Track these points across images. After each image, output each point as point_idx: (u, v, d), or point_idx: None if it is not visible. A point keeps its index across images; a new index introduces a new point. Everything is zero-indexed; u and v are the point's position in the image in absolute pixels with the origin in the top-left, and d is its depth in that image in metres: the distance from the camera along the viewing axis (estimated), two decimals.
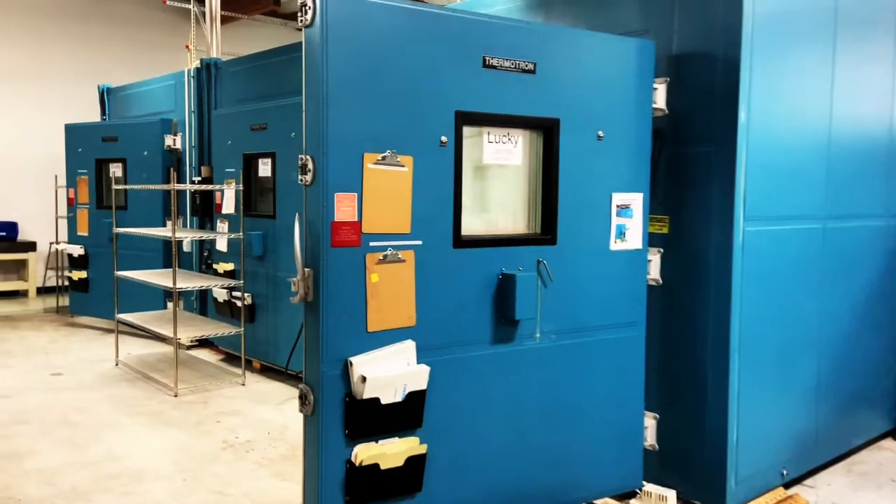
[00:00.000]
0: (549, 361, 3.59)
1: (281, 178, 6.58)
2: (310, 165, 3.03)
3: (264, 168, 6.84)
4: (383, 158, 3.09)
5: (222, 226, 7.39)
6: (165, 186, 6.80)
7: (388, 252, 3.11)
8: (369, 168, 3.06)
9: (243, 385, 6.62)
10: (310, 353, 3.11)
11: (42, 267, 11.53)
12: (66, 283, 9.56)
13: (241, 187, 6.66)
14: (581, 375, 3.70)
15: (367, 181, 3.05)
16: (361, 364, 3.06)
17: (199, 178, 7.77)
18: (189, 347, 7.88)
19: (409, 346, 3.18)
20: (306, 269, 3.07)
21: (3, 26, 11.30)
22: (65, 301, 10.08)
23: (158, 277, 6.85)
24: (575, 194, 3.62)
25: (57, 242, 10.48)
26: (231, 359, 7.49)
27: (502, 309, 3.42)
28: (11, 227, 11.25)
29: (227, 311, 7.26)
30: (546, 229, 3.57)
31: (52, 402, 6.08)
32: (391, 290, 3.12)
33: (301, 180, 3.09)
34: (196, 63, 8.05)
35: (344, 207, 3.01)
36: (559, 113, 3.53)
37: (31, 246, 11.27)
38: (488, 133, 3.45)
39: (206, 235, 6.75)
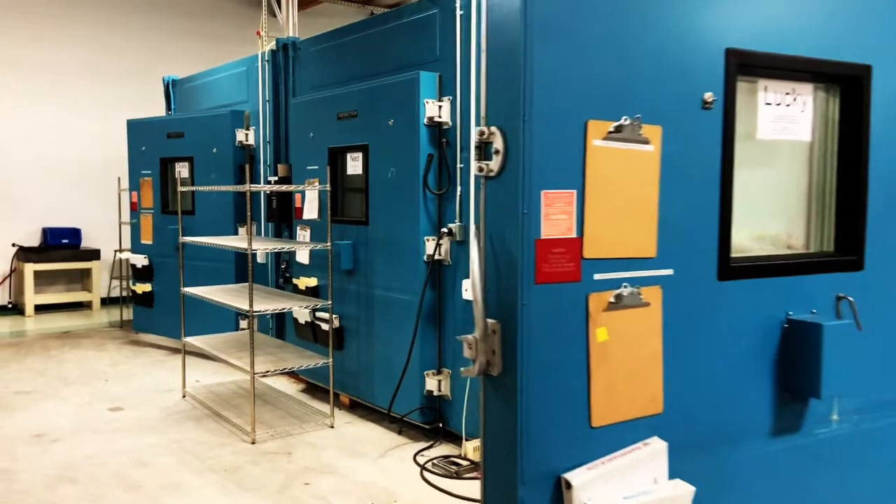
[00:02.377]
0: (849, 459, 2.24)
1: (375, 176, 5.39)
2: (498, 143, 1.78)
3: (354, 164, 5.67)
4: (618, 130, 1.82)
5: (303, 233, 6.25)
6: (238, 188, 5.70)
7: (624, 290, 1.83)
8: (595, 147, 1.80)
9: (332, 427, 5.46)
10: (492, 463, 1.86)
11: (107, 276, 10.73)
12: (130, 294, 8.63)
13: (327, 188, 5.50)
14: None
15: (592, 168, 1.79)
16: (585, 486, 1.79)
17: (276, 178, 6.66)
18: (265, 374, 6.78)
19: (657, 450, 1.89)
20: (490, 322, 1.82)
21: (63, 21, 10.53)
22: (129, 314, 9.17)
23: (231, 296, 5.75)
24: (887, 188, 2.27)
25: (120, 250, 9.61)
26: (313, 389, 6.35)
27: (792, 379, 2.10)
28: (75, 234, 10.48)
29: (309, 334, 6.11)
30: (846, 245, 2.23)
31: (109, 449, 5.03)
32: (627, 355, 1.85)
33: (479, 169, 1.84)
34: (271, 45, 6.95)
35: (556, 215, 1.76)
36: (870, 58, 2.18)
37: (95, 254, 10.47)
38: (765, 88, 2.13)
39: (287, 246, 5.62)
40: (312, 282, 6.08)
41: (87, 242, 10.62)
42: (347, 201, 5.89)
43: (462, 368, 1.96)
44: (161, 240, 7.86)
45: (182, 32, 11.28)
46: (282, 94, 6.83)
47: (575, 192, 1.76)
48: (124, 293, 9.90)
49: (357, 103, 5.54)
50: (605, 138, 1.77)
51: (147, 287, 8.07)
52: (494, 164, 1.82)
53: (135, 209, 8.22)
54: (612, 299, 1.78)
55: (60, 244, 10.32)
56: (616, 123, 1.78)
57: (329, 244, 5.46)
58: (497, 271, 1.77)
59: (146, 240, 8.08)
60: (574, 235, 1.75)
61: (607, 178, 1.78)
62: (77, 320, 9.79)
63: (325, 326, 5.86)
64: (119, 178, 9.50)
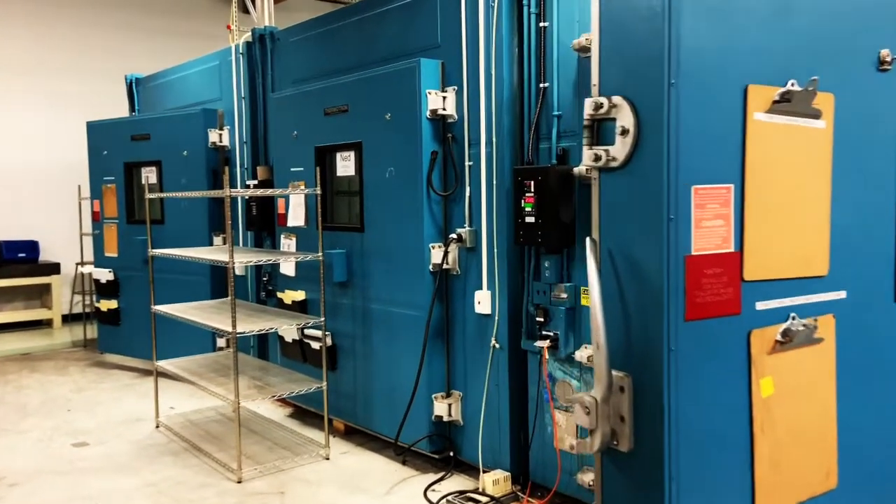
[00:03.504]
0: None
1: (371, 177, 4.83)
2: (626, 119, 1.25)
3: (345, 165, 5.10)
4: (785, 98, 1.29)
5: (288, 242, 5.66)
6: (215, 193, 5.09)
7: (794, 323, 1.32)
8: (756, 122, 1.30)
9: (327, 459, 4.88)
10: None
11: (68, 292, 9.96)
12: (94, 311, 7.92)
13: (315, 191, 4.92)
14: None
15: (754, 153, 1.34)
16: None
17: (256, 182, 6.05)
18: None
19: None
20: (616, 375, 1.29)
21: (10, 17, 9.75)
22: (94, 333, 8.45)
23: (208, 315, 5.14)
24: None
25: (82, 264, 8.88)
26: (303, 414, 5.76)
27: None
28: (32, 247, 9.70)
29: (297, 353, 5.52)
30: None
31: (74, 495, 4.40)
32: (795, 412, 1.37)
33: (594, 158, 1.31)
34: (246, 36, 6.34)
35: (709, 221, 1.28)
36: None
37: (54, 268, 9.71)
38: None
39: (272, 258, 5.02)
40: (300, 295, 5.49)
41: (45, 256, 9.86)
42: (338, 206, 5.32)
43: (572, 441, 1.44)
44: (127, 252, 7.18)
45: (145, 29, 10.56)
46: (259, 89, 6.23)
47: (732, 187, 1.25)
48: (87, 310, 9.17)
49: (348, 97, 4.97)
50: (768, 110, 1.27)
51: (112, 304, 7.38)
52: (619, 149, 1.31)
53: (97, 219, 7.53)
54: (779, 337, 1.28)
55: (16, 258, 9.54)
56: (782, 89, 1.28)
57: (320, 254, 4.88)
58: (623, 303, 1.26)
59: (110, 252, 7.39)
60: (732, 249, 1.25)
61: (771, 165, 1.28)
62: (37, 340, 9.03)
63: (315, 345, 5.28)
64: (79, 186, 8.78)
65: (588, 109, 1.36)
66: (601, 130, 1.37)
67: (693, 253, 1.23)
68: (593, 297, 1.35)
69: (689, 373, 1.27)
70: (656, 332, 1.26)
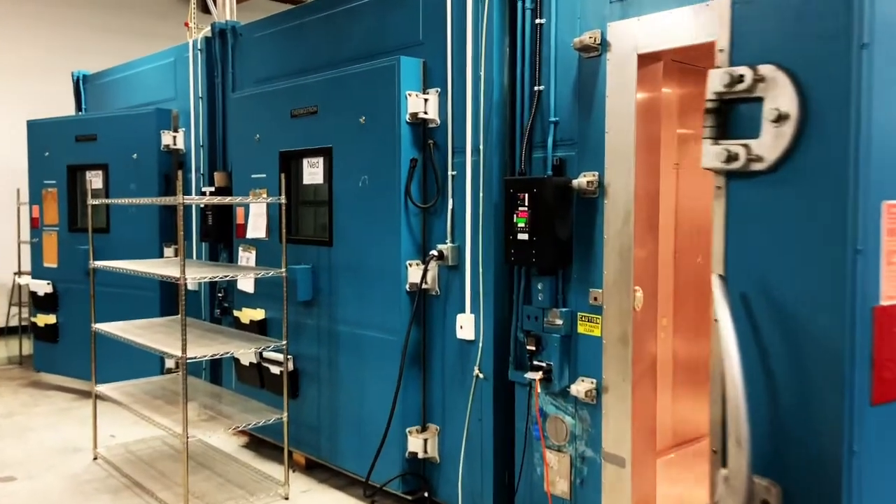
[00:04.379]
0: None
1: (342, 186, 4.39)
2: (784, 99, 0.85)
3: (313, 172, 4.64)
4: None
5: (246, 255, 5.16)
6: (166, 200, 4.58)
7: None
8: None
9: (286, 499, 4.37)
10: None
11: (4, 303, 9.21)
12: (31, 326, 7.26)
13: (279, 200, 4.44)
14: None
15: None
16: None
17: (212, 189, 5.55)
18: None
19: None
20: (761, 484, 0.87)
21: None
22: (31, 348, 7.76)
23: (156, 336, 4.61)
24: None
25: (20, 274, 8.20)
26: (259, 445, 5.24)
27: None
28: None
29: (254, 378, 5.02)
30: None
31: None
32: None
33: (727, 157, 0.89)
34: (205, 31, 5.85)
35: None
36: None
37: None
38: None
39: (230, 274, 4.51)
40: (259, 314, 5.00)
41: None
42: (304, 217, 4.85)
43: (565, 485, 1.03)
44: (68, 262, 6.57)
45: (96, 27, 9.94)
46: (218, 88, 5.74)
47: None
48: (24, 324, 8.46)
49: (317, 97, 4.52)
50: None
51: (50, 319, 6.75)
52: (768, 143, 0.92)
53: (36, 226, 6.90)
54: None
55: None
56: None
57: (283, 270, 4.40)
58: (769, 376, 0.85)
59: (50, 262, 6.77)
60: None
61: None
62: None
63: (275, 369, 4.79)
64: (18, 190, 8.12)
65: (716, 84, 0.95)
66: (734, 117, 0.96)
67: (883, 303, 0.82)
68: (730, 367, 0.94)
69: (878, 486, 0.84)
70: (827, 422, 0.84)
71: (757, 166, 0.90)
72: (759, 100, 0.90)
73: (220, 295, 5.58)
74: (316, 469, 4.77)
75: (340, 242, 4.41)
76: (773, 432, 0.92)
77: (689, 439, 4.82)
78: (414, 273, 4.02)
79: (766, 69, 0.92)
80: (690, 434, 4.86)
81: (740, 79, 0.88)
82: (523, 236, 3.42)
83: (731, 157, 0.89)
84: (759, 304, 0.91)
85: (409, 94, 3.99)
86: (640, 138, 3.22)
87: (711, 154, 0.91)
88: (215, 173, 5.63)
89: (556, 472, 3.56)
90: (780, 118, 0.90)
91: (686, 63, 4.50)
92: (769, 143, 0.89)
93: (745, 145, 0.89)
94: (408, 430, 4.07)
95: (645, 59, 3.22)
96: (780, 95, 0.90)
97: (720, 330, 0.89)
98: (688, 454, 4.64)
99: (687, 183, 4.71)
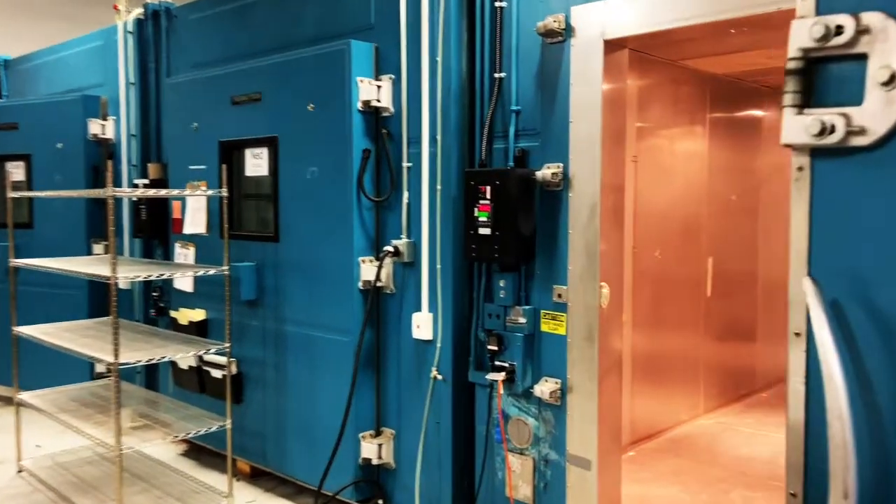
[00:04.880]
0: None
1: (288, 178, 4.14)
2: None
3: (256, 163, 4.37)
4: None
5: (184, 252, 4.85)
6: (95, 193, 4.24)
7: None
8: None
9: None
10: None
11: None
12: None
13: (221, 193, 4.16)
14: None
15: None
16: None
17: (146, 182, 5.19)
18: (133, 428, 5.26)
19: None
20: None
21: None
22: None
23: (84, 339, 4.28)
24: None
25: None
26: (199, 453, 4.94)
27: None
28: None
29: (193, 382, 4.72)
30: None
31: None
32: None
33: (818, 130, 0.73)
34: (137, 12, 5.47)
35: None
36: None
37: None
38: None
39: (166, 273, 4.20)
40: (198, 315, 4.70)
41: None
42: (247, 211, 4.57)
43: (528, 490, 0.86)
44: None
45: (16, 8, 9.31)
46: (152, 74, 5.38)
47: None
48: None
49: (261, 83, 4.25)
50: None
51: None
52: (876, 111, 0.72)
53: None
54: None
55: None
56: None
57: (226, 267, 4.12)
58: (869, 406, 0.68)
59: None
60: None
61: None
62: None
63: (217, 373, 4.50)
64: None
65: (802, 39, 0.78)
66: (824, 79, 0.79)
67: None
68: (835, 399, 0.77)
69: None
70: None
71: (858, 141, 0.75)
72: (863, 57, 0.73)
73: (155, 294, 5.24)
74: (262, 477, 4.52)
75: (288, 238, 4.16)
76: (879, 481, 0.76)
77: (646, 436, 4.78)
78: (367, 270, 3.81)
79: (872, 18, 0.75)
80: (647, 431, 4.81)
81: (838, 30, 0.70)
82: (485, 231, 3.25)
83: (826, 130, 0.74)
84: (855, 314, 0.76)
85: (361, 81, 3.77)
86: (607, 129, 3.10)
87: (797, 126, 0.75)
88: (149, 164, 5.28)
89: (519, 476, 3.42)
90: (894, 79, 0.74)
91: (643, 52, 4.42)
92: (877, 111, 0.72)
93: (844, 115, 0.73)
94: (361, 435, 3.87)
95: (611, 46, 3.09)
96: (893, 50, 0.74)
97: (820, 349, 0.73)
98: (646, 451, 4.58)
99: (645, 177, 4.64)
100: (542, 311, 3.31)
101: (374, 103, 3.78)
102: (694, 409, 5.19)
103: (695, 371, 5.20)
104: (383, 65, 3.84)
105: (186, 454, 4.99)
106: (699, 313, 5.20)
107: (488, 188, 3.23)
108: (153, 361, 3.93)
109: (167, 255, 5.11)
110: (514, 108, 3.36)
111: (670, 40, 3.86)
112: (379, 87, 3.79)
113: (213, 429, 4.09)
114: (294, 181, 4.09)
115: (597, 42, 3.07)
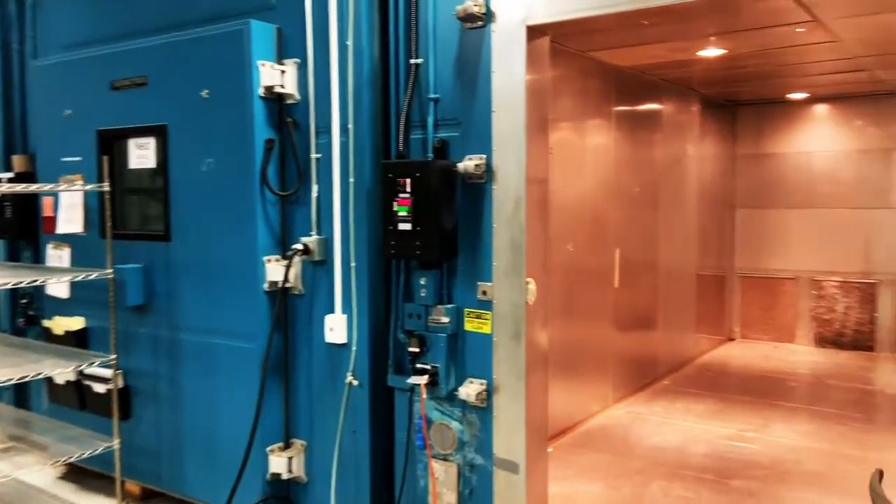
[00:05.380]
0: None
1: (180, 170, 3.78)
2: None
3: (142, 154, 3.97)
4: None
5: (58, 254, 4.35)
6: None
7: None
8: None
9: None
10: None
11: None
12: None
13: (103, 187, 3.73)
14: None
15: None
16: None
17: (10, 175, 4.62)
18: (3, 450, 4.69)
19: None
20: None
21: None
22: None
23: None
24: None
25: None
26: (81, 475, 4.46)
27: None
28: None
29: (72, 398, 4.26)
30: None
31: None
32: None
33: None
34: None
35: None
36: None
37: None
38: None
39: (39, 278, 3.70)
40: (77, 324, 4.23)
41: None
42: (131, 207, 4.15)
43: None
44: None
45: None
46: (15, 55, 4.78)
47: None
48: None
49: (147, 66, 3.85)
50: None
51: None
52: None
53: None
54: None
55: None
56: None
57: (109, 270, 3.70)
58: None
59: None
60: None
61: None
62: None
63: (100, 388, 4.07)
64: None
65: None
66: None
67: None
68: None
69: None
70: None
71: None
72: None
73: (24, 302, 4.67)
74: (154, 499, 4.12)
75: (181, 237, 3.78)
76: None
77: (562, 430, 4.75)
78: (274, 270, 3.52)
79: None
80: (563, 425, 4.79)
81: None
82: (405, 226, 3.05)
83: None
84: None
85: (262, 65, 3.46)
86: (531, 119, 2.98)
87: None
88: (13, 157, 4.69)
89: (443, 484, 3.26)
90: None
91: (555, 42, 4.35)
92: None
93: None
94: (269, 448, 3.58)
95: (534, 32, 2.97)
96: None
97: None
98: (564, 447, 4.55)
99: (557, 169, 4.59)
100: (466, 309, 3.16)
101: (278, 89, 3.48)
102: (604, 400, 5.23)
103: (604, 362, 5.24)
104: (287, 48, 3.54)
105: (66, 477, 4.49)
106: (608, 304, 5.23)
107: (408, 181, 3.03)
108: (25, 379, 3.46)
109: (37, 258, 4.57)
110: (432, 95, 3.18)
111: (585, 29, 3.80)
112: (283, 71, 3.50)
113: (99, 450, 3.67)
114: (188, 174, 3.72)
115: (519, 28, 2.94)
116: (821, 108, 7.32)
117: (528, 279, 3.01)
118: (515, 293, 3.01)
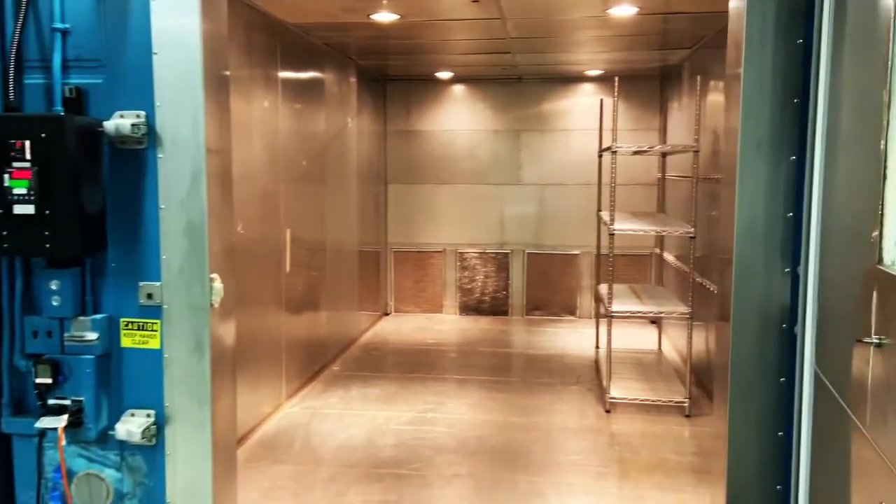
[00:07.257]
0: None
1: None
2: None
3: None
4: None
5: None
6: None
7: None
8: None
9: None
10: None
11: None
12: None
13: None
14: None
15: None
16: None
17: None
18: None
19: None
20: None
21: None
22: None
23: None
24: None
25: None
26: None
27: None
28: None
29: None
30: None
31: None
32: None
33: None
34: None
35: None
36: None
37: None
38: None
39: None
40: None
41: None
42: None
43: None
44: None
45: None
46: None
47: None
48: None
49: None
50: None
51: None
52: None
53: None
54: None
55: None
56: None
57: None
58: None
59: None
60: None
61: None
62: None
63: None
64: None
65: None
66: None
67: None
68: None
69: None
70: None
71: None
72: None
73: None
74: None
75: None
76: None
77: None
78: None
79: None
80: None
81: None
82: (25, 209, 2.14)
83: None
84: None
85: None
86: (208, 70, 2.30)
87: None
88: None
89: None
90: None
91: None
92: None
93: None
94: None
95: None
96: None
97: None
98: (240, 463, 3.87)
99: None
100: (123, 319, 2.37)
101: None
102: (277, 398, 4.69)
103: (277, 354, 4.69)
104: None
105: None
106: (280, 291, 4.68)
107: (27, 144, 2.11)
108: None
109: None
110: (59, 25, 2.27)
111: None
112: None
113: None
114: None
115: None
116: (461, 88, 7.68)
117: (213, 275, 2.35)
118: (195, 294, 2.33)
